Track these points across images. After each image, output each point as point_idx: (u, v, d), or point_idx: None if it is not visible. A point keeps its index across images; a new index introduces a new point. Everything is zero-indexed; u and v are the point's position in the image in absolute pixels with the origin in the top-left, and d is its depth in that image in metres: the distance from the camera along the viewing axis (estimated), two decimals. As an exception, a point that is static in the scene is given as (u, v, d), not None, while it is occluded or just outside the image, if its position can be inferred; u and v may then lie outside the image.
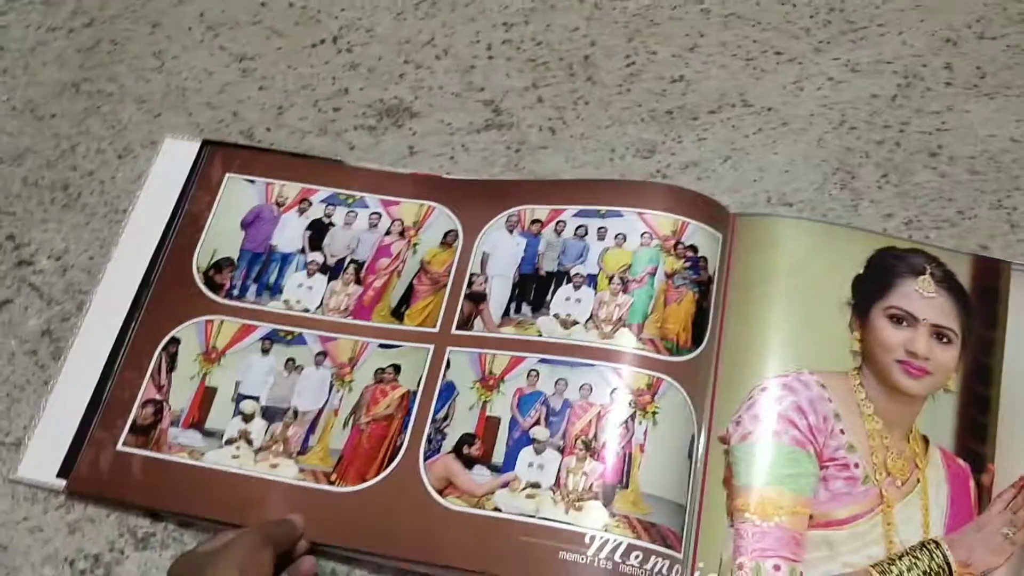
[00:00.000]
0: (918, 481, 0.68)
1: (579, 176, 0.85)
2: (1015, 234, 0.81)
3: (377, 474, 0.68)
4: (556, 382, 0.69)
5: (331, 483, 0.68)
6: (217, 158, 0.83)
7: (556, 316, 0.72)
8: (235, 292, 0.77)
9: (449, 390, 0.71)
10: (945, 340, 0.71)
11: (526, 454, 0.67)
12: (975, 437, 0.69)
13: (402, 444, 0.69)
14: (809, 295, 0.73)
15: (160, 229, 0.81)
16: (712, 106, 0.89)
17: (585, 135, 0.88)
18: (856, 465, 0.67)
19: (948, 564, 0.64)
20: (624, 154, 0.87)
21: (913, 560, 0.64)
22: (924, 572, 0.64)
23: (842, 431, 0.68)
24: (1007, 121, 0.87)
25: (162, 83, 0.93)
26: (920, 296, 0.72)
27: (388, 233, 0.79)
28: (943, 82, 0.90)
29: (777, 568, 0.63)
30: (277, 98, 0.91)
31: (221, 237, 0.79)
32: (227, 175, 0.82)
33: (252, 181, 0.82)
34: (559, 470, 0.66)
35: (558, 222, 0.77)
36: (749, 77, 0.91)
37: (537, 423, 0.68)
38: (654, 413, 0.67)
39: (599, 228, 0.76)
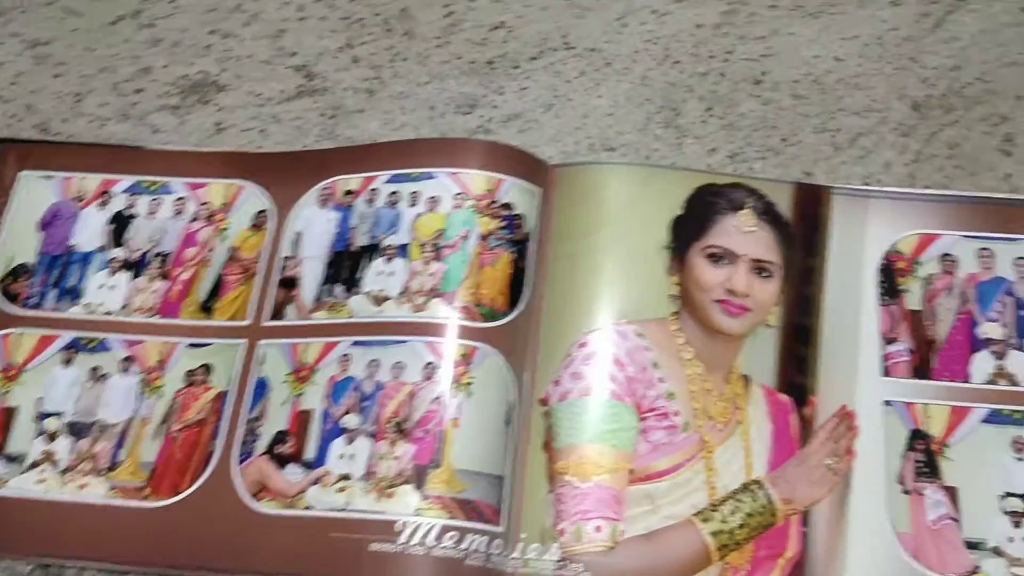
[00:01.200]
0: (739, 422, 0.67)
1: (399, 138, 0.82)
2: (838, 156, 0.80)
3: (191, 484, 0.66)
4: (368, 364, 0.67)
5: (144, 499, 0.66)
6: (10, 157, 0.78)
7: (368, 293, 0.70)
8: (33, 301, 0.73)
9: (262, 387, 0.68)
10: (766, 274, 0.70)
11: (337, 445, 0.66)
12: (797, 370, 0.69)
13: (214, 450, 0.66)
14: (627, 243, 0.71)
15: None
16: (533, 52, 0.87)
17: (404, 94, 0.85)
18: (676, 413, 0.66)
19: (771, 502, 0.64)
20: (444, 111, 0.84)
21: (736, 503, 0.64)
22: (748, 514, 0.64)
23: (661, 379, 0.67)
24: (831, 40, 0.86)
25: (-53, 79, 0.87)
26: (739, 232, 0.71)
27: (195, 219, 0.76)
28: (767, 5, 0.88)
29: (599, 529, 0.62)
30: (74, 85, 0.86)
31: (17, 242, 0.75)
32: (20, 173, 0.77)
33: (49, 177, 0.77)
34: (370, 458, 0.64)
35: (371, 190, 0.74)
36: (571, 17, 0.88)
37: (349, 411, 0.66)
38: (468, 384, 0.66)
39: (412, 193, 0.73)
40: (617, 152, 0.81)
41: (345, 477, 0.65)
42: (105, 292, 0.73)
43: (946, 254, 0.73)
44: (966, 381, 0.69)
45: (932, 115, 0.82)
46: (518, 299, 0.70)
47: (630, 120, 0.83)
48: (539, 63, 0.86)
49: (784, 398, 0.69)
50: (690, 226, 0.72)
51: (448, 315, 0.68)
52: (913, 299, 0.72)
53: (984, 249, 0.73)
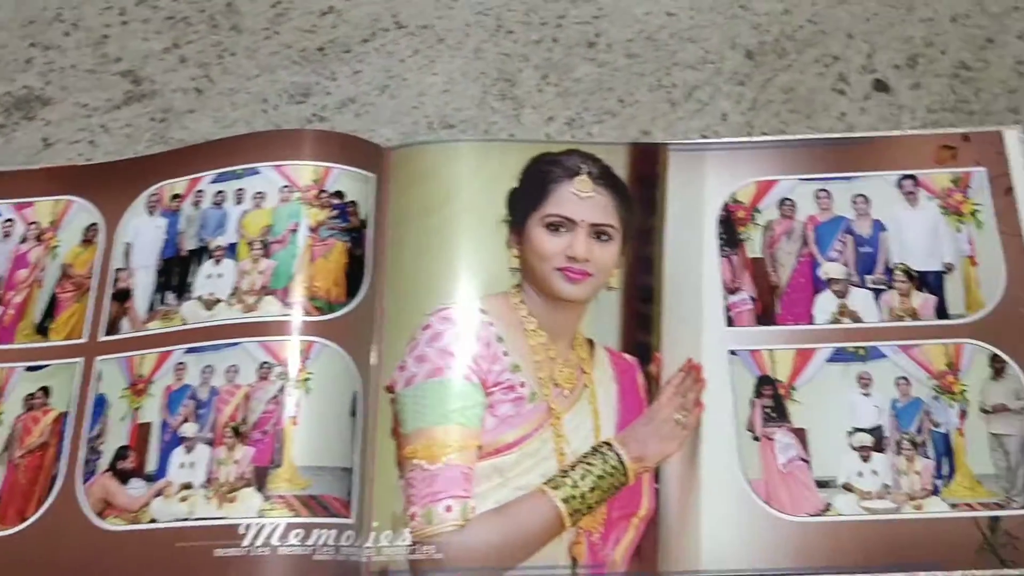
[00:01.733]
0: (585, 386, 0.67)
1: (231, 135, 0.80)
2: (675, 112, 0.80)
3: (37, 509, 0.64)
4: (203, 370, 0.66)
5: None
6: None
7: (199, 298, 0.68)
8: None
9: (100, 404, 0.67)
10: (605, 238, 0.70)
11: (177, 455, 0.64)
12: (641, 329, 0.69)
13: (58, 472, 0.64)
14: (466, 221, 0.71)
15: None
16: (365, 34, 0.85)
17: (234, 89, 0.83)
18: (522, 385, 0.66)
19: (622, 462, 0.64)
20: (278, 103, 0.82)
21: (586, 467, 0.64)
22: (598, 476, 0.64)
23: (505, 353, 0.67)
24: (662, -5, 0.85)
25: None
26: (577, 198, 0.70)
27: (24, 240, 0.74)
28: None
29: (448, 509, 0.62)
30: None
31: None
32: None
33: None
34: (209, 464, 0.63)
35: (197, 192, 0.72)
36: (401, -4, 0.87)
37: (187, 420, 0.65)
38: (306, 380, 0.65)
39: (237, 191, 0.72)
40: (456, 129, 0.80)
41: (187, 486, 0.63)
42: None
43: (784, 199, 0.74)
44: (810, 323, 0.70)
45: (766, 61, 0.83)
46: (357, 288, 0.69)
47: (467, 95, 0.82)
48: (371, 45, 0.85)
49: (629, 358, 0.69)
50: (527, 198, 0.72)
51: (280, 312, 0.67)
52: (754, 247, 0.73)
53: (821, 190, 0.74)
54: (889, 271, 0.71)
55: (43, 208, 0.75)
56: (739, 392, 0.68)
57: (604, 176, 0.73)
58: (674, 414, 0.66)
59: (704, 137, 0.78)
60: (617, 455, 0.65)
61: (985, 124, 0.77)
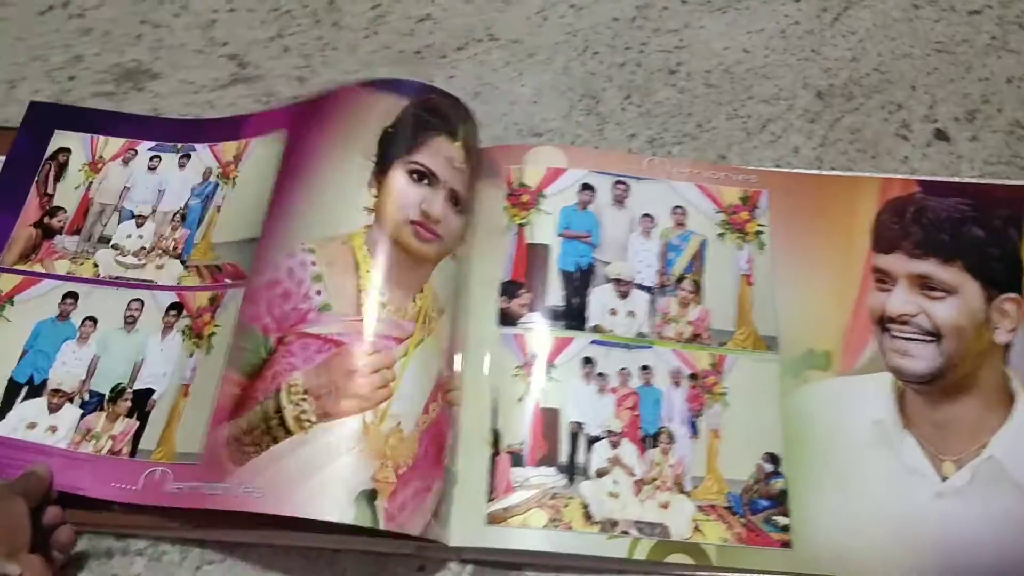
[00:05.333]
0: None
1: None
2: (750, 141, 0.85)
3: None
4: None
5: None
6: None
7: None
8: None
9: None
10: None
11: None
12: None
13: None
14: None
15: None
16: (459, 43, 0.90)
17: (335, 82, 0.87)
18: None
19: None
20: (375, 98, 0.86)
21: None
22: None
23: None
24: (739, 33, 0.91)
25: None
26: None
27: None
28: (678, 0, 0.93)
29: None
30: (7, 72, 0.86)
31: None
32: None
33: None
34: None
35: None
36: (494, 11, 0.92)
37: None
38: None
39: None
40: (544, 138, 0.85)
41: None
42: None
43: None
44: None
45: (835, 103, 0.88)
46: None
47: (554, 108, 0.87)
48: (465, 53, 0.90)
49: None
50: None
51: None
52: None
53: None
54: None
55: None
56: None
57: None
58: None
59: (778, 167, 0.83)
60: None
61: (1036, 179, 0.83)
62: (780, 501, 0.67)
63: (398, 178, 0.70)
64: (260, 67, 0.87)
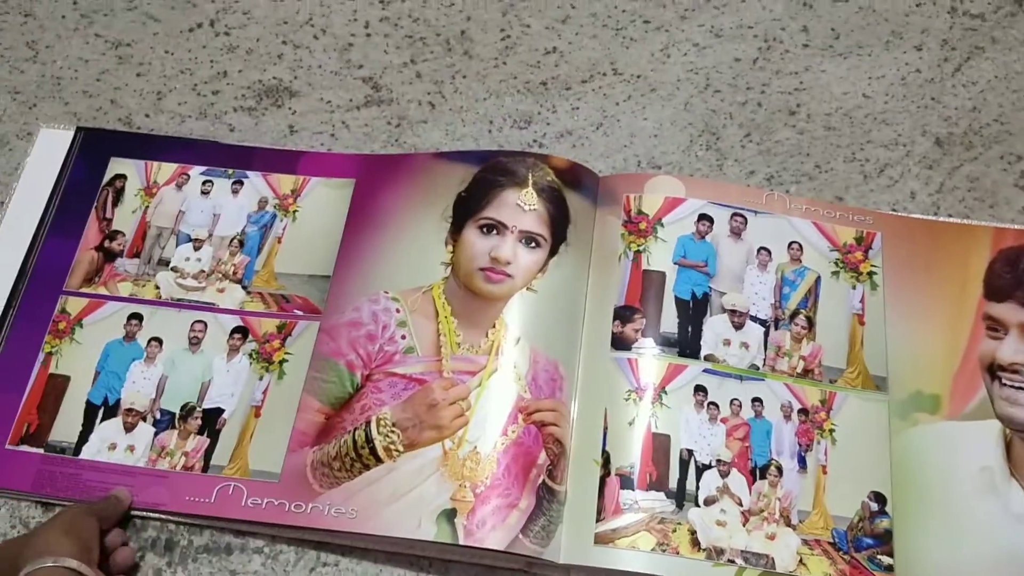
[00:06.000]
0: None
1: (460, 149, 0.88)
2: (867, 184, 0.87)
3: None
4: None
5: None
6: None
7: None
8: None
9: None
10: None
11: None
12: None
13: None
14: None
15: (36, 218, 0.82)
16: (584, 75, 0.93)
17: (464, 108, 0.91)
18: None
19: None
20: (502, 125, 0.90)
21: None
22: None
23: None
24: (860, 79, 0.93)
25: (36, 73, 0.93)
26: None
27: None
28: (800, 44, 0.95)
29: None
30: (155, 83, 0.92)
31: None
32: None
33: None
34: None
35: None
36: (619, 46, 0.95)
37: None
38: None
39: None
40: (663, 171, 0.87)
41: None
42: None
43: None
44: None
45: (954, 151, 0.89)
46: None
47: (674, 141, 0.89)
48: (589, 85, 0.93)
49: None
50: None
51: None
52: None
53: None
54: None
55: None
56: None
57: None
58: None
59: (894, 211, 0.84)
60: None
61: None
62: (884, 540, 0.68)
63: (470, 235, 0.77)
64: (393, 90, 0.91)
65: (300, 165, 0.85)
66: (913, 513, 0.68)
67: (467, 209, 0.78)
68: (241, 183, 0.85)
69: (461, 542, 0.66)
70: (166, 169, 0.85)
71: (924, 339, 0.75)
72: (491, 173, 0.80)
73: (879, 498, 0.69)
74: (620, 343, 0.74)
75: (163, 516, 0.70)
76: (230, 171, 0.85)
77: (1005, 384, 0.73)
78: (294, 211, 0.82)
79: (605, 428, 0.71)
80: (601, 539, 0.67)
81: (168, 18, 0.96)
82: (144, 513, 0.70)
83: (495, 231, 0.76)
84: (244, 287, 0.80)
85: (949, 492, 0.69)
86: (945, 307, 0.76)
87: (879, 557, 0.67)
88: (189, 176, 0.85)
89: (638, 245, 0.78)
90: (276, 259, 0.81)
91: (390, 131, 0.89)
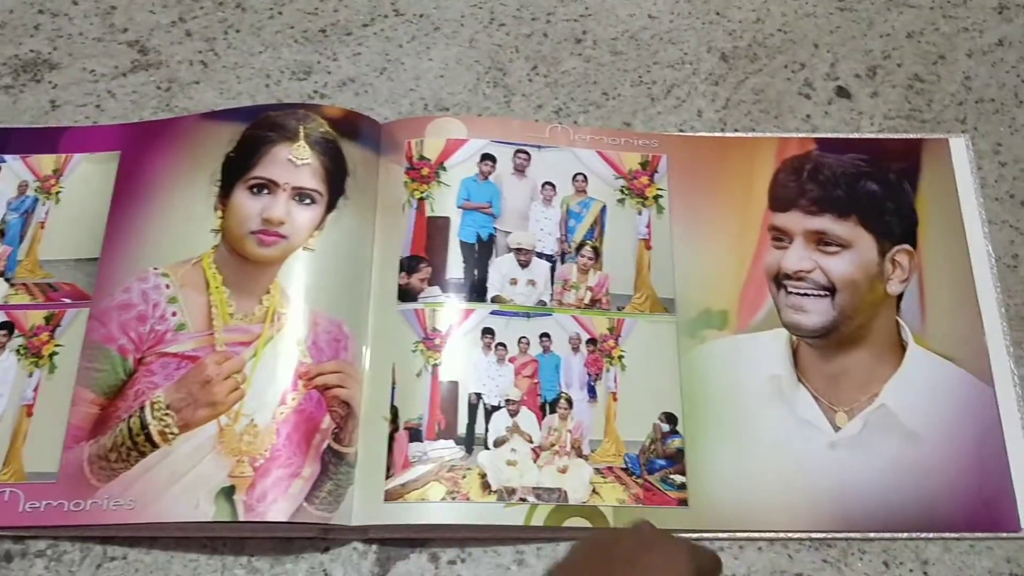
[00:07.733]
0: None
1: (236, 106, 0.84)
2: (655, 107, 0.86)
3: None
4: None
5: None
6: None
7: None
8: None
9: None
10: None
11: None
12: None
13: None
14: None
15: None
16: (365, 19, 0.90)
17: (239, 64, 0.87)
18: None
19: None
20: (280, 79, 0.87)
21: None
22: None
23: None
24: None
25: None
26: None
27: None
28: (575, -32, 0.93)
29: None
30: (-102, 67, 0.85)
31: None
32: None
33: None
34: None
35: None
36: (400, -14, 0.92)
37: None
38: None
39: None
40: (450, 111, 0.85)
41: None
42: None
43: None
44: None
45: (739, 65, 0.89)
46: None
47: (460, 80, 0.87)
48: (371, 29, 0.90)
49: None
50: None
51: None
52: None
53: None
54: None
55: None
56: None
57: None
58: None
59: (681, 131, 0.84)
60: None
61: (936, 132, 0.84)
62: (677, 460, 0.68)
63: (240, 197, 0.73)
64: (161, 52, 0.87)
65: (62, 142, 0.80)
66: (704, 430, 0.69)
67: (236, 170, 0.74)
68: None
69: (241, 518, 0.63)
70: None
71: (711, 257, 0.76)
72: (260, 129, 0.76)
73: (670, 419, 0.69)
74: (407, 295, 0.73)
75: None
76: None
77: (791, 292, 0.73)
78: (57, 192, 0.77)
79: (393, 383, 0.69)
80: (391, 496, 0.66)
81: (-89, -5, 0.89)
82: None
83: (266, 190, 0.73)
84: (7, 279, 0.75)
85: (738, 405, 0.70)
86: (731, 223, 0.77)
87: (672, 477, 0.68)
88: None
89: (421, 192, 0.76)
90: (40, 246, 0.76)
91: (160, 96, 0.85)
